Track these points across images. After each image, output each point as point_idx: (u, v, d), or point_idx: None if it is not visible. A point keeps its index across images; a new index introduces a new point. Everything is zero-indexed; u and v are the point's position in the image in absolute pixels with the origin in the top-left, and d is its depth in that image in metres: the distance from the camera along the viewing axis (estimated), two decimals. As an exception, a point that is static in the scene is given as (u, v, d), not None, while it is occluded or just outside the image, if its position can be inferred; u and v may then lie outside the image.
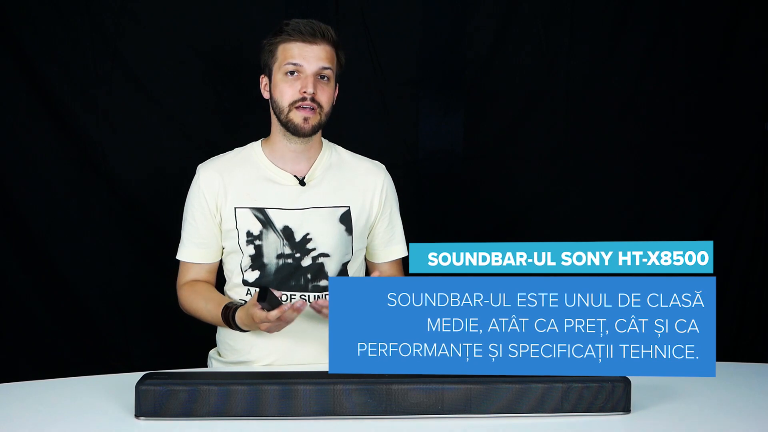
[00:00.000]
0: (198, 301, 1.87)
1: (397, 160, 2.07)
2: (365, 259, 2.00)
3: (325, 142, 1.96)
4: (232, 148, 1.97)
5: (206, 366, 2.03)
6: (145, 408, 1.44)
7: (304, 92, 1.80)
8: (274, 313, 1.64)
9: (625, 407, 1.49)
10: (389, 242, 1.98)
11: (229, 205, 1.86)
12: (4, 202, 2.42)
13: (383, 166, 1.99)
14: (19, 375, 2.02)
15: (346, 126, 2.24)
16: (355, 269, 1.94)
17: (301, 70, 1.81)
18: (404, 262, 2.00)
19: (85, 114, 2.43)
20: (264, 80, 1.90)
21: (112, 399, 1.55)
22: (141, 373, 1.50)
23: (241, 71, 2.48)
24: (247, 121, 2.46)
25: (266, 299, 1.60)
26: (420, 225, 2.11)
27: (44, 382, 1.70)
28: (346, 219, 1.89)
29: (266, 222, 1.85)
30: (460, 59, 2.58)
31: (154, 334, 2.52)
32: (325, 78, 1.83)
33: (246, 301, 1.85)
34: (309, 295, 1.87)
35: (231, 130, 2.48)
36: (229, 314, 1.79)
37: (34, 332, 2.48)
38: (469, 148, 2.59)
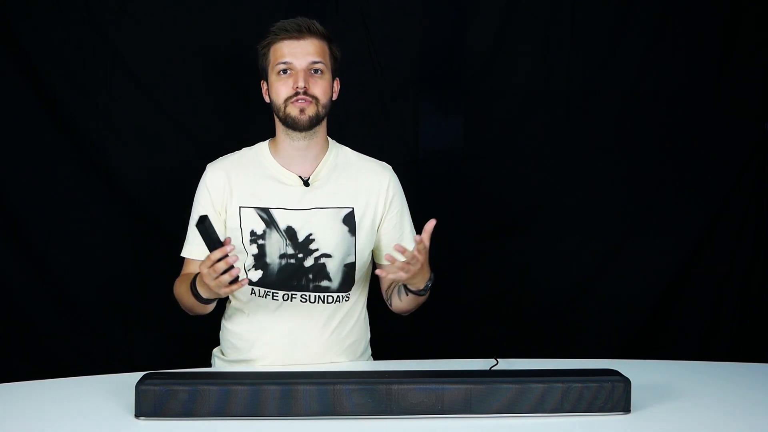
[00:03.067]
0: (182, 285, 1.86)
1: (397, 160, 2.07)
2: (374, 261, 1.98)
3: (332, 142, 1.96)
4: (232, 149, 1.97)
5: (209, 364, 2.03)
6: (145, 408, 1.44)
7: (297, 87, 1.81)
8: (216, 254, 1.59)
9: (625, 407, 1.49)
10: (398, 242, 1.96)
11: (234, 203, 1.87)
12: (4, 202, 2.42)
13: (389, 167, 1.99)
14: (18, 375, 2.01)
15: (346, 126, 2.25)
16: (361, 271, 1.93)
17: (291, 68, 1.83)
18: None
19: (85, 114, 2.43)
20: (264, 85, 1.92)
21: (112, 399, 1.55)
22: (141, 373, 1.50)
23: (241, 71, 2.48)
24: (248, 121, 2.46)
25: (204, 224, 1.57)
26: (420, 225, 2.10)
27: (44, 382, 1.70)
28: (349, 220, 1.89)
29: (270, 222, 1.86)
30: (460, 59, 2.58)
31: (154, 334, 2.52)
32: (318, 72, 1.84)
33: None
34: (310, 295, 1.87)
35: (232, 131, 2.48)
36: (193, 282, 1.77)
37: (34, 332, 2.48)
38: (469, 148, 2.59)
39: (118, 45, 2.43)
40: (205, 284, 1.68)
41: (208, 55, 2.48)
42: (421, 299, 1.89)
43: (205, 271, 1.63)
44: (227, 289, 1.65)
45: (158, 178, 2.48)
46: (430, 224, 1.70)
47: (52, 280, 2.47)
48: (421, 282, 1.80)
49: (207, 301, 1.79)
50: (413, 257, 1.69)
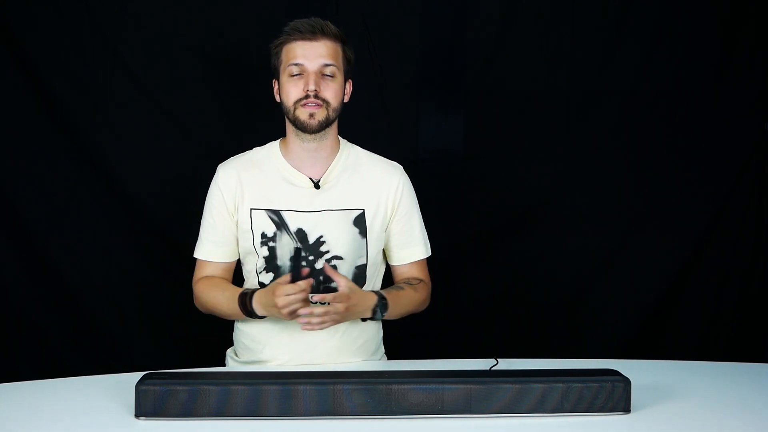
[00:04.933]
0: (215, 290, 1.87)
1: (397, 160, 2.07)
2: (387, 262, 1.98)
3: (343, 142, 1.95)
4: (232, 149, 1.97)
5: (224, 364, 2.02)
6: (145, 408, 1.44)
7: (307, 90, 1.80)
8: (302, 284, 1.67)
9: (625, 407, 1.49)
10: (407, 243, 1.95)
11: (246, 205, 1.86)
12: (4, 203, 2.42)
13: (400, 167, 1.97)
14: (19, 375, 2.02)
15: (347, 126, 2.24)
16: (373, 272, 1.92)
17: (303, 69, 1.81)
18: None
19: (85, 114, 2.44)
20: (276, 84, 1.90)
21: (112, 399, 1.55)
22: (141, 373, 1.50)
23: (241, 71, 2.48)
24: (248, 121, 2.46)
25: (300, 256, 1.66)
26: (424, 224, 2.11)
27: (44, 382, 1.70)
28: (360, 222, 1.88)
29: (280, 224, 1.85)
30: (460, 60, 2.58)
31: (155, 334, 2.52)
32: (330, 75, 1.83)
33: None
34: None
35: (232, 131, 2.48)
36: (246, 298, 1.79)
37: (34, 333, 2.48)
38: (469, 148, 2.59)
39: (118, 45, 2.43)
40: (271, 306, 1.73)
41: (208, 55, 2.48)
42: (403, 311, 1.90)
43: (285, 301, 1.69)
44: (289, 317, 1.72)
45: (158, 178, 2.48)
46: (327, 270, 1.78)
47: (52, 280, 2.47)
48: (360, 315, 1.83)
49: (257, 317, 1.82)
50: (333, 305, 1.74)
